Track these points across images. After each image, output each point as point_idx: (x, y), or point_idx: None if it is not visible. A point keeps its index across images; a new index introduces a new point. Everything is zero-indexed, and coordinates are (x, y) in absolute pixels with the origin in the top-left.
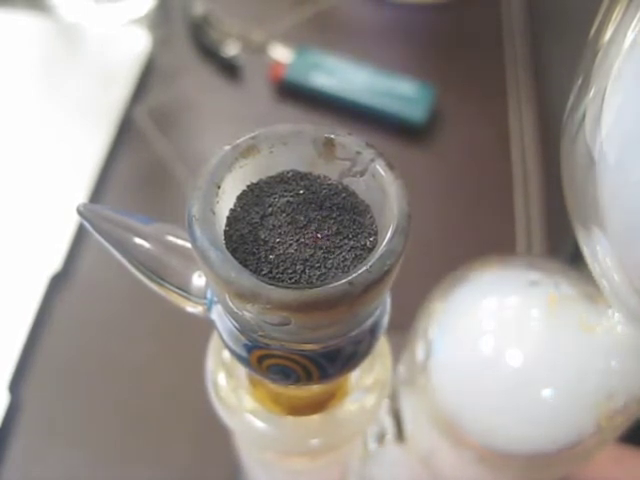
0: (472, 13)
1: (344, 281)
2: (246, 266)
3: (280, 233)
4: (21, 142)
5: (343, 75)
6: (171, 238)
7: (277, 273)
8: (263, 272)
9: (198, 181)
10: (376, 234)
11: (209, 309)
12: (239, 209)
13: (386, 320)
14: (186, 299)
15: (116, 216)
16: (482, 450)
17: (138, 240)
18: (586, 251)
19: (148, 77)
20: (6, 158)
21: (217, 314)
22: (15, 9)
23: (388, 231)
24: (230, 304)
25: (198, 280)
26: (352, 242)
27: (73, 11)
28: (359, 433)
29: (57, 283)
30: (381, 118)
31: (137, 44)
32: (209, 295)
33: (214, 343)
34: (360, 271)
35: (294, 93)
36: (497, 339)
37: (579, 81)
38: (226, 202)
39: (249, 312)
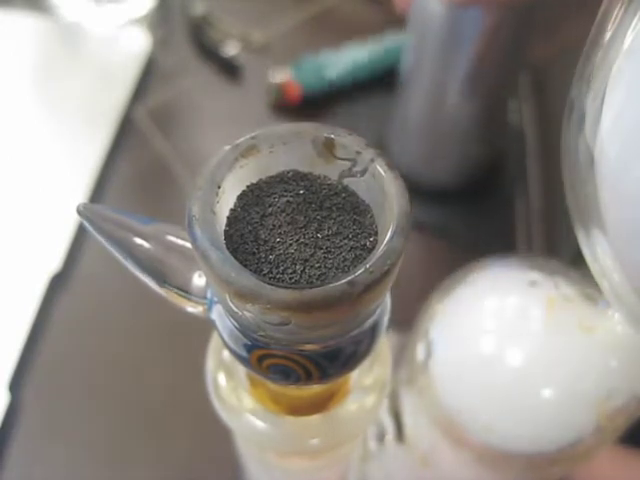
0: None
1: (344, 281)
2: (246, 266)
3: (280, 233)
4: (21, 142)
5: (346, 60)
6: (171, 238)
7: (277, 273)
8: (263, 272)
9: (198, 181)
10: (376, 234)
11: (209, 309)
12: (239, 209)
13: (386, 320)
14: (186, 299)
15: (116, 216)
16: (482, 449)
17: (138, 240)
18: (586, 251)
19: (148, 77)
20: (6, 158)
21: (217, 314)
22: (15, 9)
23: (388, 231)
24: (230, 304)
25: (198, 280)
26: (352, 242)
27: (73, 11)
28: (359, 433)
29: (57, 283)
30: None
31: (137, 44)
32: (209, 295)
33: (214, 343)
34: (360, 271)
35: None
36: (497, 339)
37: (579, 81)
38: (226, 202)
39: (249, 312)
